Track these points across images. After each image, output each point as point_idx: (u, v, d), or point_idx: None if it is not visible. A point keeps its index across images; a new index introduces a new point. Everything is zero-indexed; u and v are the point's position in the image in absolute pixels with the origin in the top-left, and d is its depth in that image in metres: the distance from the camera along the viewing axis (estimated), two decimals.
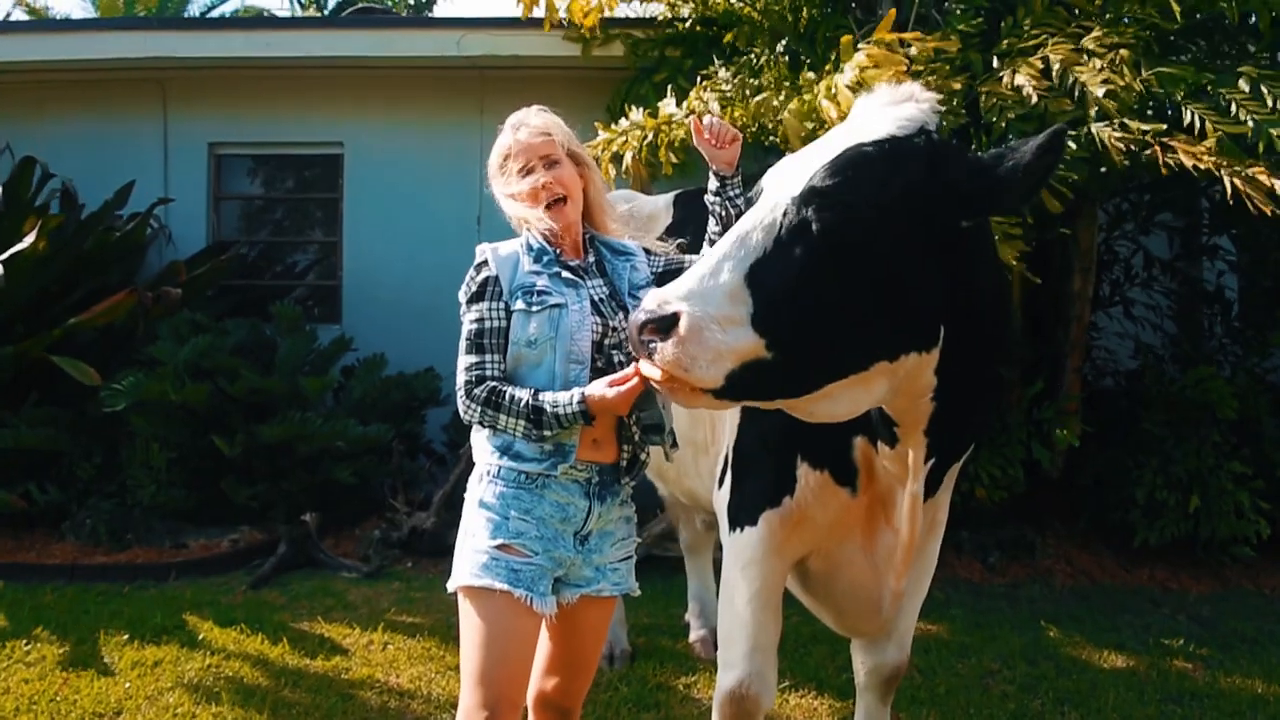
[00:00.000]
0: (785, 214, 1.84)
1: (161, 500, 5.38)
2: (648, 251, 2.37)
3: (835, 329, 1.83)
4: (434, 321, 5.48)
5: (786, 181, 1.91)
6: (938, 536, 2.66)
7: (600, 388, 2.01)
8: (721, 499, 2.65)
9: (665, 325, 1.77)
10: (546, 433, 2.03)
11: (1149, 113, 3.63)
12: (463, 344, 2.12)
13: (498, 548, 2.05)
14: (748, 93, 4.47)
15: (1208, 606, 4.77)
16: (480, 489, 2.12)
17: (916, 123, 1.92)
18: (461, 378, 2.09)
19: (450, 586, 2.11)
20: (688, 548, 4.29)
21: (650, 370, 1.83)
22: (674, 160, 4.67)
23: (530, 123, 2.23)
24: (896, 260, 1.85)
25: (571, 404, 2.01)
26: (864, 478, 2.36)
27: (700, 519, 3.97)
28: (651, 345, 1.78)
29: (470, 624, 2.05)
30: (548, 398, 2.02)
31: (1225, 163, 3.47)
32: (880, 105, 2.00)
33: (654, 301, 1.80)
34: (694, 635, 4.10)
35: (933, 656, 3.99)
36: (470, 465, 2.23)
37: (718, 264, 1.83)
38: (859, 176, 1.83)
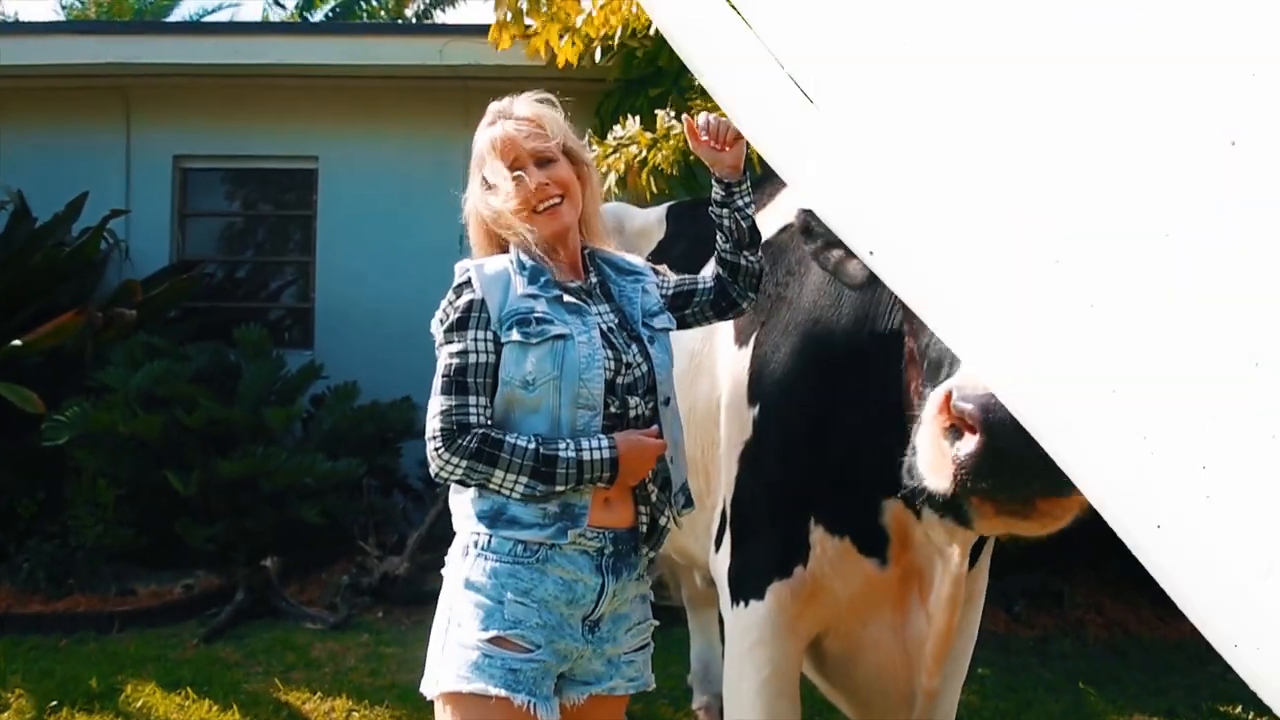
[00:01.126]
0: None
1: (108, 541, 4.91)
2: (655, 270, 1.97)
3: None
4: (412, 347, 4.94)
5: None
6: (977, 608, 2.28)
7: (637, 435, 1.66)
8: (720, 564, 2.23)
9: None
10: (558, 488, 1.61)
11: None
12: (438, 382, 1.68)
13: (490, 641, 1.61)
14: None
15: None
16: (465, 566, 1.68)
17: None
18: (436, 424, 1.64)
19: (430, 691, 1.66)
20: (689, 600, 3.86)
21: None
22: (653, 189, 4.22)
23: (517, 113, 1.79)
24: None
25: (602, 448, 1.62)
26: (896, 547, 1.98)
27: (700, 575, 3.53)
28: None
29: None
30: (563, 442, 1.62)
31: None
32: None
33: None
34: (697, 702, 3.67)
35: None
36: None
37: None
38: None
